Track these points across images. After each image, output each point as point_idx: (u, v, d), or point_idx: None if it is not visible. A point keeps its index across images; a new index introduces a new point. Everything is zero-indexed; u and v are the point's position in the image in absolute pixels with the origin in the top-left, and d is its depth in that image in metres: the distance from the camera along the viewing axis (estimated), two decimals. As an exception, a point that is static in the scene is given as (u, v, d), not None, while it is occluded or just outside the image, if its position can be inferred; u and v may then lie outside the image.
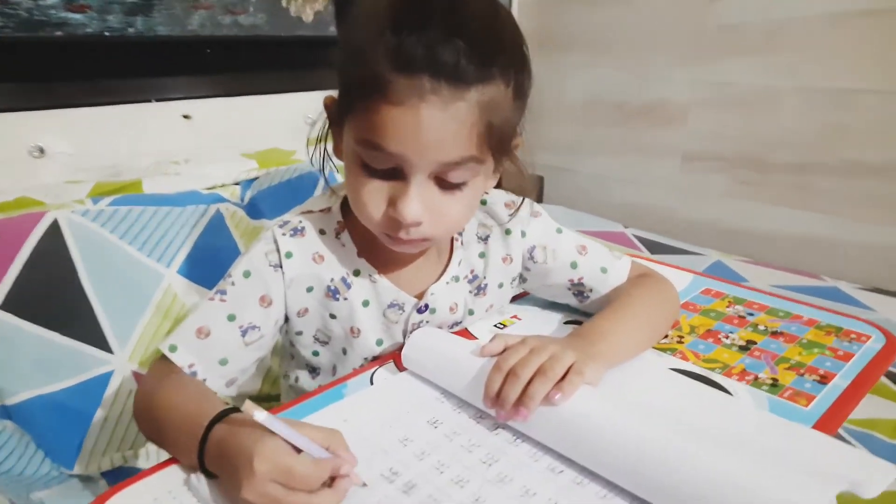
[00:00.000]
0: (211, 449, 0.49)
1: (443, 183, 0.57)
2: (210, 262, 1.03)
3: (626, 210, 1.90)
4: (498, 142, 0.57)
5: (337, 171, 1.20)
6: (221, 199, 1.12)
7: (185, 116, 1.27)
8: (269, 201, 1.15)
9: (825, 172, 1.56)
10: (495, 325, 0.75)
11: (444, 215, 0.59)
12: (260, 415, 0.45)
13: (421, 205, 0.56)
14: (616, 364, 0.61)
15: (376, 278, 0.69)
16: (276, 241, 0.65)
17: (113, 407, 0.91)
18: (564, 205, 1.85)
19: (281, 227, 0.67)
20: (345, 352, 0.72)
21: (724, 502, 0.43)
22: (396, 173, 0.56)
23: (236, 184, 1.18)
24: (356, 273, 0.69)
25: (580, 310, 0.78)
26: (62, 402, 0.88)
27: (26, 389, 0.86)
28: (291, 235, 0.66)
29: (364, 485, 0.49)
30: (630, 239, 1.59)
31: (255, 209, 1.14)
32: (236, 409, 0.51)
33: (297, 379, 0.79)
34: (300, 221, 0.68)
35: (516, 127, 0.60)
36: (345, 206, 0.70)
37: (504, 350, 0.58)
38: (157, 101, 1.24)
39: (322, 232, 0.68)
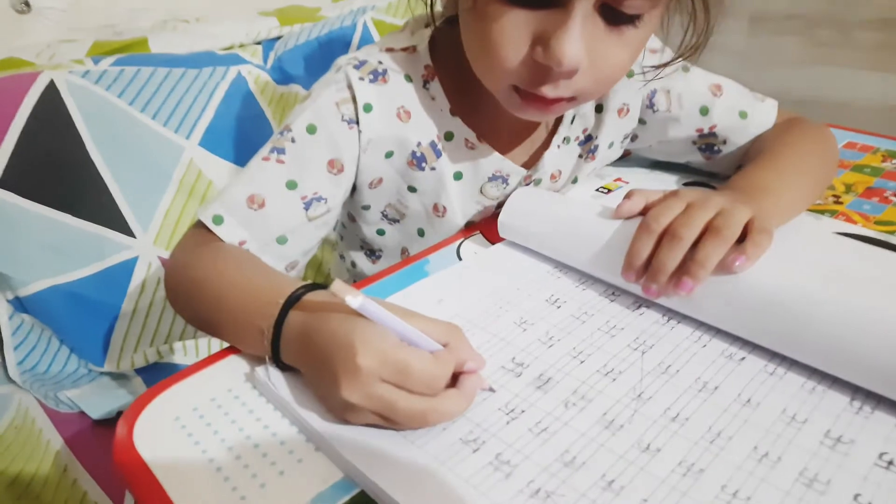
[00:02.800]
0: (289, 336, 0.37)
1: (612, 16, 0.41)
2: (236, 133, 0.89)
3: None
4: None
5: (372, 23, 1.03)
6: (242, 61, 0.95)
7: (191, -34, 1.07)
8: (297, 63, 0.98)
9: (916, 29, 1.36)
10: (597, 190, 0.62)
11: (605, 63, 0.43)
12: (355, 300, 0.32)
13: (583, 44, 0.41)
14: (780, 226, 0.48)
15: (475, 143, 0.54)
16: (351, 88, 0.50)
17: (141, 297, 0.79)
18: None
19: (357, 66, 0.51)
20: (422, 233, 0.59)
21: None
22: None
23: (257, 43, 1.01)
24: (448, 137, 0.54)
25: (704, 170, 0.63)
26: (82, 293, 0.76)
27: (39, 279, 0.75)
28: (371, 81, 0.50)
29: (492, 390, 0.37)
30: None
31: (282, 73, 0.98)
32: (318, 286, 0.38)
33: (353, 263, 0.67)
34: (380, 62, 0.52)
35: None
36: (434, 45, 0.53)
37: (645, 209, 0.44)
38: (156, -54, 1.04)
39: (408, 78, 0.52)
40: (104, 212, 0.78)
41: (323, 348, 0.34)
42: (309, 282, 0.39)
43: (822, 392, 0.36)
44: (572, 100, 0.46)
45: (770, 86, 1.74)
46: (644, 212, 0.44)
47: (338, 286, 0.33)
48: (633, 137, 0.63)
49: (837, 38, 1.46)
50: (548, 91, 0.44)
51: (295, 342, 0.36)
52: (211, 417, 0.37)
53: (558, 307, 0.44)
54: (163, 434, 0.36)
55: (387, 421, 0.34)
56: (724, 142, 0.59)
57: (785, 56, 1.54)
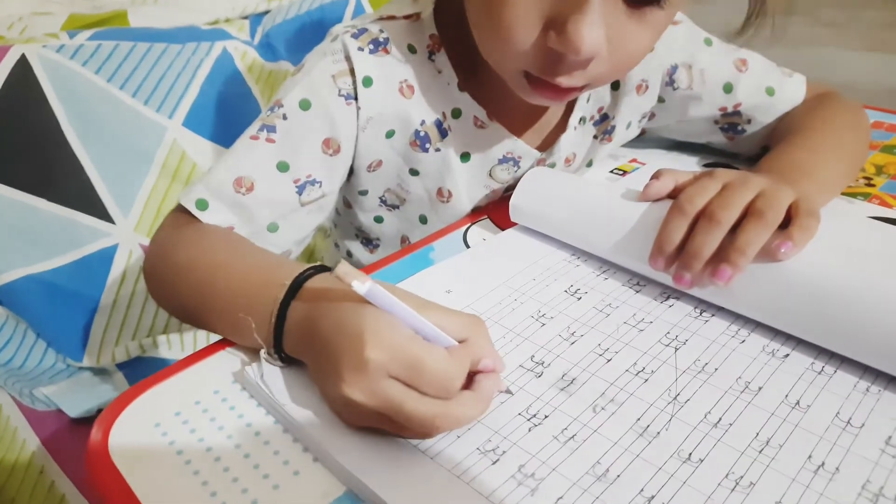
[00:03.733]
0: (293, 323, 0.33)
1: None
2: (221, 113, 0.84)
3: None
4: None
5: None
6: (227, 36, 0.90)
7: (173, -64, 1.02)
8: (287, 39, 0.93)
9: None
10: (612, 172, 0.58)
11: (625, 49, 0.39)
12: (362, 285, 0.28)
13: (603, 30, 0.37)
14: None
15: (485, 122, 0.50)
16: (349, 59, 0.45)
17: (122, 287, 0.75)
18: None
19: (355, 35, 0.46)
20: (424, 220, 0.55)
21: None
22: None
23: (244, 18, 0.96)
24: (455, 114, 0.49)
25: (725, 150, 0.59)
26: (59, 283, 0.72)
27: (13, 268, 0.70)
28: (372, 51, 0.46)
29: (509, 392, 0.34)
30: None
31: (270, 49, 0.93)
32: (325, 268, 0.34)
33: (349, 252, 0.63)
34: (381, 30, 0.47)
35: None
36: (439, 13, 0.49)
37: (676, 191, 0.40)
38: (135, -86, 0.98)
39: (412, 49, 0.48)
40: (81, 196, 0.73)
41: (328, 337, 0.30)
42: (317, 263, 0.35)
43: (877, 393, 0.33)
44: (586, 86, 0.42)
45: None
46: (674, 194, 0.40)
47: (343, 269, 0.28)
48: (651, 116, 0.58)
49: (842, 17, 1.42)
50: (562, 80, 0.40)
51: (298, 330, 0.32)
52: (195, 423, 0.33)
53: (579, 298, 0.40)
54: (142, 442, 0.32)
55: (390, 424, 0.30)
56: (749, 121, 0.55)
57: (789, 35, 1.51)
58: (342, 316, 0.30)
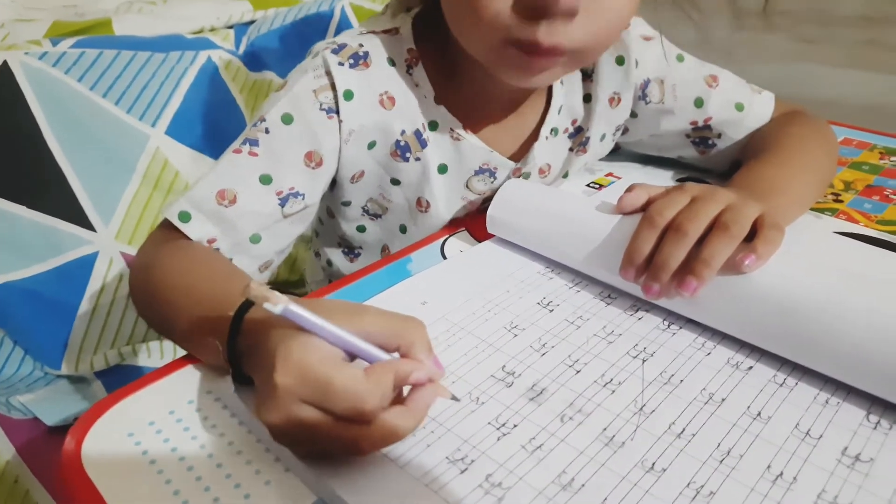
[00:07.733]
0: (242, 353, 0.33)
1: None
2: (205, 121, 0.85)
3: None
4: None
5: (351, 9, 0.99)
6: (212, 45, 0.90)
7: (159, -55, 1.02)
8: (271, 49, 0.94)
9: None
10: (588, 185, 0.59)
11: (601, 13, 0.40)
12: (274, 307, 0.28)
13: None
14: (787, 224, 0.45)
15: (461, 134, 0.51)
16: (329, 74, 0.46)
17: (102, 296, 0.75)
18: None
19: (335, 51, 0.47)
20: (403, 229, 0.55)
21: None
22: None
23: (229, 27, 0.96)
24: (432, 126, 0.50)
25: (698, 165, 0.61)
26: (38, 290, 0.72)
27: (-9, 275, 0.70)
28: (352, 65, 0.47)
29: (455, 399, 0.33)
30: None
31: (254, 58, 0.93)
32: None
33: (329, 262, 0.63)
34: (361, 45, 0.48)
35: None
36: (416, 29, 0.50)
37: (648, 203, 0.41)
38: (122, -77, 0.99)
39: (391, 62, 0.49)
40: (62, 204, 0.73)
41: (258, 365, 0.31)
42: (263, 285, 0.35)
43: (836, 405, 0.34)
44: (567, 60, 0.42)
45: (753, 82, 1.74)
46: (646, 207, 0.41)
47: (254, 290, 0.28)
48: (625, 130, 0.60)
49: (821, 34, 1.45)
50: (542, 38, 0.39)
51: (246, 360, 0.33)
52: (169, 432, 0.33)
53: (551, 311, 0.41)
54: (115, 451, 0.33)
55: (320, 448, 0.29)
56: (719, 135, 0.57)
57: (769, 53, 1.53)
58: (267, 341, 0.30)
